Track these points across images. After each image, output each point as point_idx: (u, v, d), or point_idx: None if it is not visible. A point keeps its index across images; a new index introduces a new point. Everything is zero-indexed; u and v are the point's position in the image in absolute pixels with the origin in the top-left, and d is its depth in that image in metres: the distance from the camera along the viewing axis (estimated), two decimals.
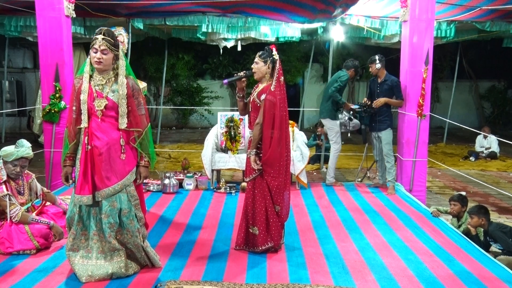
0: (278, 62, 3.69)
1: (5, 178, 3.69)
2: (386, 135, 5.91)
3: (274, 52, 3.70)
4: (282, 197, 3.73)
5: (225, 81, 3.82)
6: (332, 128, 6.33)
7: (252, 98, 3.77)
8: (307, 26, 8.64)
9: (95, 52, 3.09)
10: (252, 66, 3.75)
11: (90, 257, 3.23)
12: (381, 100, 5.83)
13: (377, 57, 5.91)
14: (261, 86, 3.74)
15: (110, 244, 3.23)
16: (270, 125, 3.62)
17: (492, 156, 9.71)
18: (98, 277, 3.18)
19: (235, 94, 15.57)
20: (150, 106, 13.79)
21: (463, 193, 5.03)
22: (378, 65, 5.87)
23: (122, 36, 4.74)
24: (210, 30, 8.51)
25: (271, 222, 3.70)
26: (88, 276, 3.17)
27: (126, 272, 3.26)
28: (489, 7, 6.88)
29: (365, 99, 6.11)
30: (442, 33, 8.52)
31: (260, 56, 3.71)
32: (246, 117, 4.04)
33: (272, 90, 3.63)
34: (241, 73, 3.75)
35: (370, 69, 6.00)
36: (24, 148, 3.74)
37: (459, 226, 4.68)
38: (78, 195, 3.13)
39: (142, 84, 5.15)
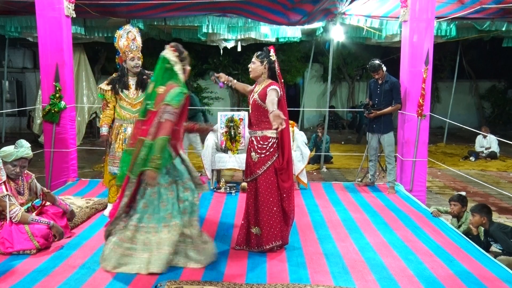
0: (276, 63, 3.71)
1: (4, 178, 3.67)
2: (389, 138, 5.92)
3: (272, 53, 3.71)
4: (293, 197, 3.81)
5: (221, 84, 4.00)
6: None
7: (253, 98, 3.77)
8: (307, 26, 8.64)
9: None
10: (248, 65, 3.81)
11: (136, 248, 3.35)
12: (377, 113, 5.86)
13: (378, 62, 5.83)
14: (260, 87, 3.74)
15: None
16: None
17: (492, 156, 9.71)
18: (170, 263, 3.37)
19: (235, 94, 15.70)
20: None
21: (463, 193, 5.02)
22: (385, 68, 5.85)
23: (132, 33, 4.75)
24: (210, 31, 8.51)
25: (278, 221, 3.70)
26: (163, 265, 3.28)
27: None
28: (490, 6, 6.87)
29: (367, 99, 6.10)
30: (442, 32, 8.52)
31: (257, 56, 3.74)
32: (246, 117, 4.05)
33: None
34: (212, 78, 4.08)
35: (377, 76, 5.89)
36: (24, 148, 3.73)
37: (459, 226, 4.68)
38: None
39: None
